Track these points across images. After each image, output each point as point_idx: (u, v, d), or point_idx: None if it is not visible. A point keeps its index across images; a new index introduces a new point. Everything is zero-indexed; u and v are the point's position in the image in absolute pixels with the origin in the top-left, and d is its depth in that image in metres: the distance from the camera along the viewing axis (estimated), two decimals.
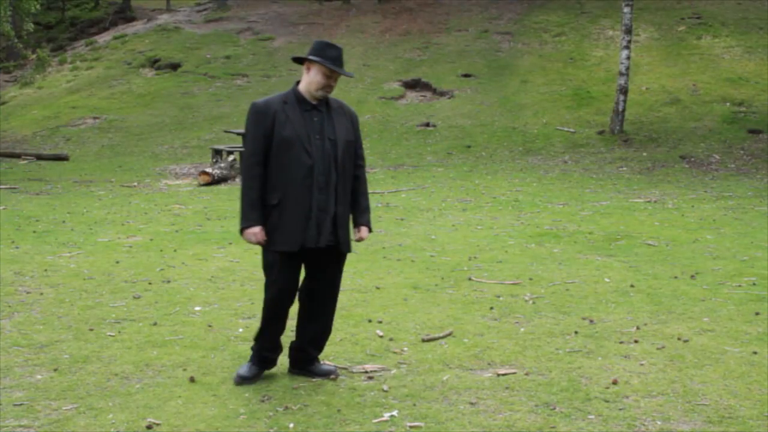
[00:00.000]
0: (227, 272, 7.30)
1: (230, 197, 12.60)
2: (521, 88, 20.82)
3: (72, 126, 20.94)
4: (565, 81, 20.87)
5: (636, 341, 5.20)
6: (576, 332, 5.40)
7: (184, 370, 4.66)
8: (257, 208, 4.29)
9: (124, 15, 33.33)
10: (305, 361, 4.60)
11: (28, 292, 6.52)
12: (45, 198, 12.57)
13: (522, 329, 5.49)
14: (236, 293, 6.50)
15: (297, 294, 4.51)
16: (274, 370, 4.67)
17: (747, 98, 18.73)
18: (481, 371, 4.66)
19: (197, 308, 6.04)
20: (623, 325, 5.57)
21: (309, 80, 4.36)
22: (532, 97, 20.20)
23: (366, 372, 4.63)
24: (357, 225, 4.56)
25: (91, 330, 5.45)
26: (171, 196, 12.86)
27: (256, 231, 4.29)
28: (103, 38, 29.26)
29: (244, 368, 4.48)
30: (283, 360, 4.82)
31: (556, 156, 16.87)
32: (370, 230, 4.59)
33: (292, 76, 22.99)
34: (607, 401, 4.19)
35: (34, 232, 9.49)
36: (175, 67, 24.50)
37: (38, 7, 21.80)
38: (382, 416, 3.99)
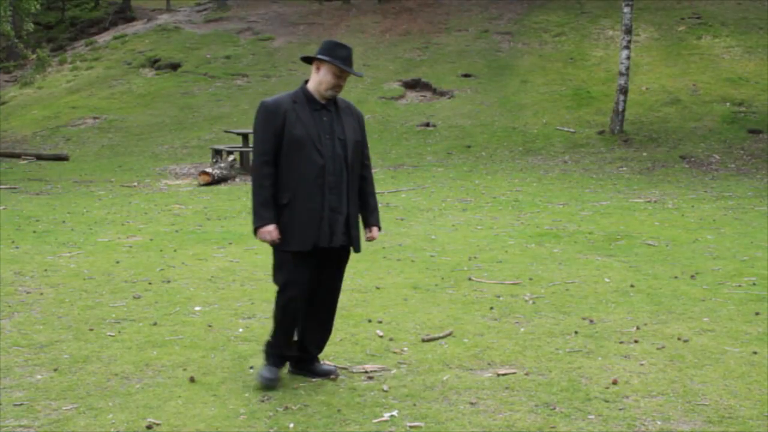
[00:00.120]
0: (227, 272, 7.30)
1: (230, 197, 12.60)
2: (521, 88, 20.82)
3: (72, 126, 20.94)
4: (565, 81, 20.87)
5: (636, 341, 5.20)
6: (576, 332, 5.40)
7: (184, 370, 4.66)
8: (270, 207, 4.26)
9: (124, 15, 33.33)
10: (305, 361, 4.60)
11: (28, 292, 6.52)
12: (45, 198, 12.57)
13: (522, 329, 5.49)
14: (236, 293, 6.50)
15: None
16: None
17: (747, 98, 18.73)
18: (481, 371, 4.66)
19: (197, 308, 6.04)
20: (623, 325, 5.57)
21: (319, 80, 4.36)
22: (532, 97, 20.21)
23: (366, 372, 4.63)
24: (368, 225, 4.58)
25: (91, 330, 5.45)
26: (171, 196, 12.86)
27: (271, 229, 4.26)
28: (103, 38, 29.26)
29: (267, 371, 4.40)
30: None
31: (556, 156, 16.87)
32: (379, 229, 4.63)
33: (292, 76, 23.00)
34: (607, 401, 4.19)
35: (34, 232, 9.49)
36: (175, 67, 24.50)
37: (38, 7, 21.80)
38: (382, 416, 3.99)
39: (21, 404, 4.14)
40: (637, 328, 5.50)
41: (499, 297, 6.39)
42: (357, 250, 4.50)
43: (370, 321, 5.67)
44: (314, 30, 26.69)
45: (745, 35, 22.26)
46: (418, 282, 6.91)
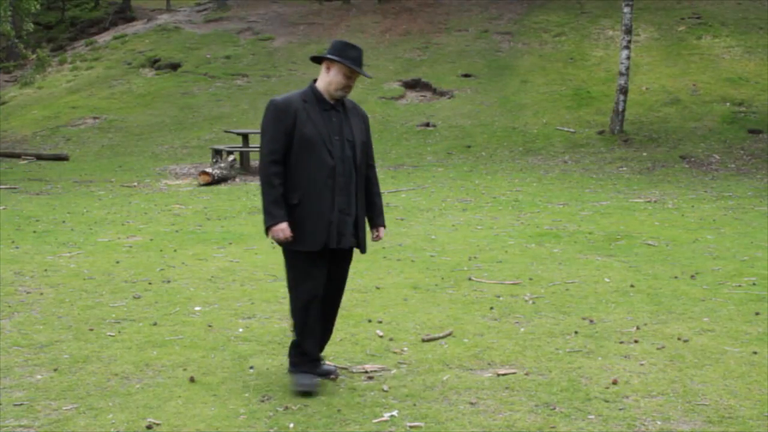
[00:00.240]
0: (227, 272, 7.30)
1: (230, 197, 12.60)
2: (521, 88, 20.82)
3: (72, 126, 20.94)
4: (565, 81, 20.87)
5: (636, 341, 5.20)
6: (576, 332, 5.40)
7: (184, 370, 4.66)
8: (281, 206, 4.23)
9: (124, 15, 33.33)
10: None
11: (28, 292, 6.52)
12: (45, 198, 12.57)
13: (522, 329, 5.49)
14: (236, 293, 6.50)
15: None
16: (273, 370, 4.68)
17: (747, 98, 18.73)
18: (481, 371, 4.66)
19: (197, 308, 6.04)
20: (623, 325, 5.57)
21: (329, 80, 4.34)
22: (532, 97, 20.21)
23: (366, 372, 4.63)
24: (375, 225, 4.60)
25: (91, 330, 5.45)
26: (171, 196, 12.86)
27: (284, 227, 4.22)
28: (103, 38, 29.26)
29: (303, 378, 4.31)
30: (284, 360, 4.82)
31: (556, 156, 16.87)
32: (385, 229, 4.66)
33: (292, 76, 23.01)
34: (607, 401, 4.19)
35: (34, 232, 9.49)
36: (175, 67, 24.50)
37: (38, 7, 21.81)
38: (382, 416, 3.99)
39: (21, 404, 4.14)
40: (637, 328, 5.50)
41: (499, 297, 6.39)
42: (363, 251, 4.51)
43: (370, 321, 5.67)
44: (314, 30, 26.69)
45: (745, 35, 22.26)
46: (418, 282, 6.91)
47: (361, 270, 7.27)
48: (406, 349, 5.08)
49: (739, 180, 14.48)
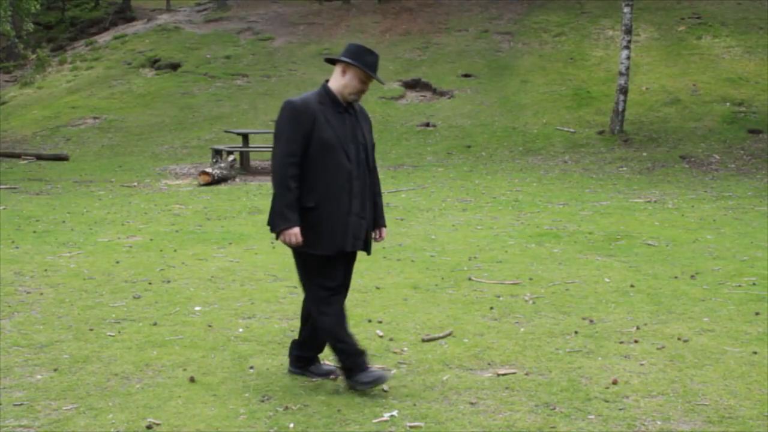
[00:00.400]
0: (227, 272, 7.30)
1: (230, 197, 12.60)
2: (521, 88, 20.82)
3: (72, 126, 20.94)
4: (565, 81, 20.87)
5: (636, 341, 5.20)
6: (576, 332, 5.40)
7: (184, 370, 4.66)
8: (295, 210, 4.18)
9: (124, 15, 33.33)
10: (306, 361, 4.60)
11: (28, 292, 6.52)
12: (45, 198, 12.57)
13: (522, 329, 5.49)
14: (236, 293, 6.50)
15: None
16: (273, 370, 4.68)
17: (747, 98, 18.73)
18: (481, 371, 4.66)
19: (197, 308, 6.04)
20: (623, 325, 5.57)
21: (344, 83, 4.31)
22: (532, 97, 20.21)
23: None
24: (377, 226, 4.58)
25: (91, 330, 5.45)
26: (171, 196, 12.86)
27: (296, 232, 4.18)
28: (103, 38, 29.26)
29: (364, 377, 4.26)
30: (284, 360, 4.82)
31: (556, 156, 16.87)
32: (386, 229, 4.66)
33: (292, 76, 23.00)
34: (607, 401, 4.19)
35: (34, 232, 9.49)
36: (175, 67, 24.50)
37: (38, 7, 21.82)
38: (382, 416, 3.99)
39: (21, 404, 4.14)
40: (637, 328, 5.50)
41: (499, 297, 6.39)
42: (369, 253, 4.52)
43: (370, 321, 5.67)
44: (314, 30, 26.69)
45: (745, 35, 22.26)
46: (418, 282, 6.91)
47: (361, 270, 7.27)
48: (406, 349, 5.08)
49: (739, 180, 14.48)
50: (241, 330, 5.46)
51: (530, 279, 7.02)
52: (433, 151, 17.63)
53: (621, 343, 5.18)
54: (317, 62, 23.86)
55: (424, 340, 5.24)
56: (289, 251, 7.57)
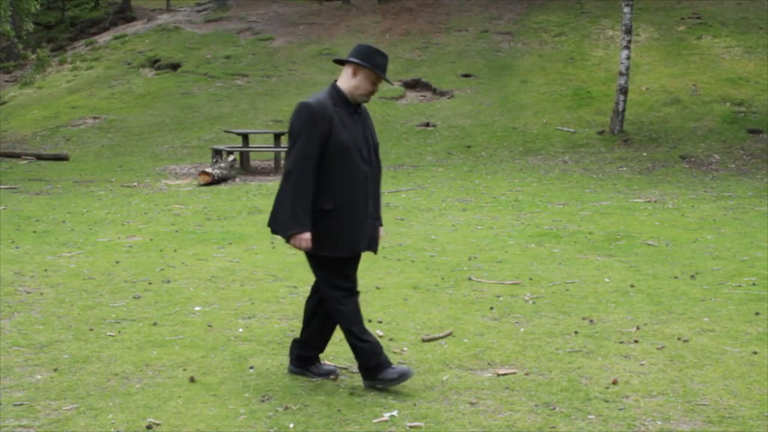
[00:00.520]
0: (227, 272, 7.30)
1: (230, 197, 12.60)
2: (521, 88, 20.82)
3: (72, 126, 20.94)
4: (565, 81, 20.87)
5: (636, 341, 5.20)
6: (576, 332, 5.40)
7: (184, 370, 4.66)
8: (309, 214, 4.16)
9: (124, 15, 33.33)
10: (307, 360, 4.60)
11: (28, 292, 6.52)
12: (45, 198, 12.57)
13: (522, 329, 5.49)
14: (236, 293, 6.50)
15: (314, 291, 4.53)
16: (273, 370, 4.68)
17: (747, 98, 18.73)
18: (481, 371, 4.66)
19: (197, 308, 6.04)
20: (623, 325, 5.57)
21: (355, 85, 4.29)
22: (532, 97, 20.21)
23: None
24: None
25: (91, 330, 5.45)
26: (171, 196, 12.86)
27: (308, 237, 4.17)
28: (103, 38, 29.26)
29: (387, 374, 4.28)
30: (284, 360, 4.82)
31: (556, 156, 16.87)
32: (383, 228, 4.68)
33: (292, 76, 23.00)
34: (607, 401, 4.19)
35: (34, 232, 9.49)
36: (175, 67, 24.50)
37: (38, 7, 21.82)
38: (382, 416, 3.99)
39: (21, 404, 4.14)
40: (637, 328, 5.50)
41: (499, 297, 6.39)
42: (376, 252, 4.54)
43: (370, 321, 5.66)
44: (314, 30, 26.69)
45: (745, 35, 22.26)
46: (418, 282, 6.91)
47: (361, 270, 7.22)
48: (406, 349, 5.08)
49: (739, 180, 14.47)
50: (241, 330, 5.46)
51: (530, 279, 7.02)
52: (433, 151, 17.63)
53: (621, 343, 5.18)
54: (317, 62, 23.85)
55: (424, 340, 5.24)
56: (289, 251, 7.56)
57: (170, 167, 16.63)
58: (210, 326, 5.54)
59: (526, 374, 4.58)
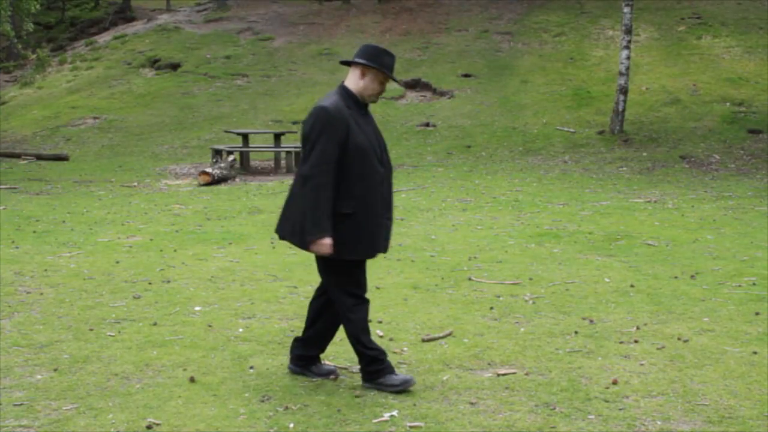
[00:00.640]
0: (227, 272, 7.30)
1: (230, 197, 12.60)
2: (521, 88, 20.82)
3: (72, 126, 20.94)
4: (565, 81, 20.87)
5: (636, 341, 5.20)
6: (576, 332, 5.40)
7: (184, 370, 4.66)
8: (330, 218, 4.12)
9: (124, 15, 33.33)
10: (307, 360, 4.59)
11: (28, 292, 6.52)
12: (45, 198, 12.57)
13: (522, 329, 5.49)
14: (236, 293, 6.50)
15: (320, 293, 4.52)
16: (273, 370, 4.68)
17: (747, 98, 18.73)
18: (481, 371, 4.66)
19: (197, 308, 6.04)
20: (623, 325, 5.57)
21: (364, 85, 4.27)
22: (532, 97, 20.21)
23: None
24: None
25: (91, 330, 5.45)
26: (171, 196, 12.86)
27: (329, 243, 4.13)
28: (103, 38, 29.26)
29: (390, 380, 4.30)
30: (284, 360, 4.82)
31: (556, 156, 16.87)
32: None
33: (292, 76, 23.00)
34: (607, 401, 4.19)
35: (34, 232, 9.49)
36: (175, 67, 24.50)
37: (38, 7, 21.82)
38: (382, 416, 3.99)
39: (21, 404, 4.14)
40: (637, 328, 5.50)
41: (499, 297, 6.39)
42: (386, 252, 4.54)
43: (370, 321, 5.65)
44: (314, 30, 26.69)
45: (745, 35, 22.26)
46: (418, 282, 6.91)
47: None
48: (406, 349, 5.08)
49: (739, 180, 14.47)
50: (241, 330, 5.46)
51: (530, 279, 7.02)
52: (433, 151, 17.63)
53: (621, 343, 5.18)
54: (317, 62, 23.86)
55: (424, 340, 5.24)
56: (289, 251, 7.56)
57: (170, 167, 16.64)
58: (210, 326, 5.54)
59: (526, 374, 4.58)
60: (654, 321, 5.69)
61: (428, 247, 8.54)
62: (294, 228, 4.25)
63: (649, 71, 20.71)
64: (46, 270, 7.34)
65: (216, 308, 6.04)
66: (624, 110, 17.59)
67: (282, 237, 4.37)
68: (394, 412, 4.03)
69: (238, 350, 5.03)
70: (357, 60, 4.27)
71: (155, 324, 5.60)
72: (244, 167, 15.86)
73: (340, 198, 4.17)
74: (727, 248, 8.44)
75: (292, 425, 3.88)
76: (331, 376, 4.54)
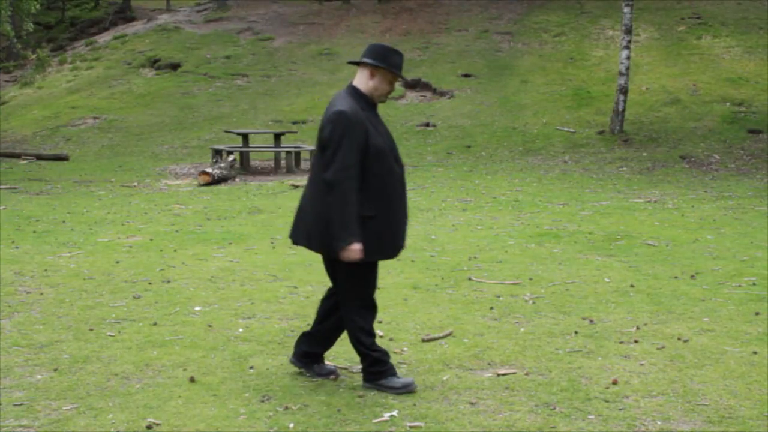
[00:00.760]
0: (227, 272, 7.30)
1: (230, 197, 12.60)
2: (521, 88, 20.82)
3: (72, 126, 20.94)
4: (565, 81, 20.87)
5: (636, 341, 5.20)
6: (576, 332, 5.40)
7: (184, 370, 4.66)
8: (359, 223, 4.10)
9: (124, 15, 33.33)
10: (312, 358, 4.57)
11: (28, 292, 6.52)
12: (45, 198, 12.57)
13: (522, 329, 5.49)
14: (236, 293, 6.50)
15: (331, 293, 4.52)
16: (273, 370, 4.68)
17: (747, 98, 18.73)
18: (481, 371, 4.66)
19: (197, 308, 6.04)
20: (623, 325, 5.57)
21: (374, 86, 4.25)
22: (532, 97, 20.20)
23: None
24: None
25: (91, 330, 5.45)
26: (171, 196, 12.86)
27: (360, 247, 4.11)
28: (103, 38, 29.27)
29: (392, 382, 4.30)
30: (284, 360, 4.82)
31: (556, 156, 16.87)
32: None
33: (292, 76, 23.00)
34: (607, 401, 4.19)
35: (34, 232, 9.49)
36: (175, 67, 24.50)
37: (38, 7, 21.81)
38: (382, 416, 3.99)
39: (21, 404, 4.14)
40: (637, 328, 5.50)
41: (499, 297, 6.39)
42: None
43: None
44: (314, 30, 26.69)
45: (745, 35, 22.26)
46: (418, 282, 6.91)
47: None
48: (406, 349, 5.08)
49: (739, 180, 14.48)
50: (241, 330, 5.46)
51: (530, 279, 7.02)
52: (433, 151, 17.63)
53: (621, 343, 5.18)
54: (317, 62, 23.85)
55: (424, 340, 5.24)
56: (289, 251, 7.56)
57: (170, 167, 16.64)
58: (210, 326, 5.54)
59: (526, 374, 4.58)
60: (654, 321, 5.69)
61: (428, 247, 8.54)
62: (311, 233, 4.24)
63: (649, 71, 20.71)
64: (46, 270, 7.34)
65: (216, 308, 6.04)
66: (624, 110, 17.59)
67: (296, 242, 4.36)
68: (394, 412, 4.03)
69: (238, 350, 5.02)
70: (366, 60, 4.25)
71: (155, 324, 5.60)
72: (244, 167, 15.86)
73: (362, 201, 4.15)
74: (727, 248, 8.44)
75: (292, 425, 3.88)
76: (331, 377, 4.54)
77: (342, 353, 4.95)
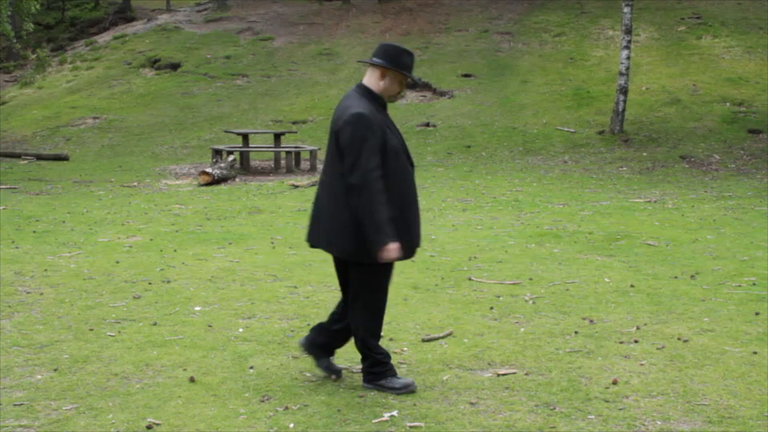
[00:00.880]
0: (227, 272, 7.30)
1: (230, 197, 12.61)
2: (521, 88, 20.82)
3: (72, 126, 20.94)
4: (565, 81, 20.87)
5: (636, 341, 5.20)
6: (576, 332, 5.40)
7: (184, 370, 4.66)
8: (391, 223, 4.09)
9: (124, 15, 33.33)
10: (324, 349, 4.56)
11: (28, 292, 6.52)
12: (45, 198, 12.57)
13: (522, 329, 5.49)
14: (236, 293, 6.50)
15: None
16: (273, 370, 4.68)
17: (747, 98, 18.73)
18: (481, 371, 4.66)
19: (197, 308, 6.04)
20: (623, 325, 5.57)
21: (384, 87, 4.24)
22: (532, 97, 20.21)
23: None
24: None
25: (91, 330, 5.45)
26: (171, 196, 12.86)
27: (397, 246, 4.09)
28: (103, 38, 29.27)
29: (393, 383, 4.30)
30: (284, 360, 4.82)
31: (556, 156, 16.87)
32: None
33: (292, 76, 23.00)
34: (607, 401, 4.19)
35: (34, 232, 9.49)
36: (175, 67, 24.51)
37: (38, 7, 21.81)
38: (382, 416, 3.99)
39: (21, 404, 4.14)
40: (637, 328, 5.50)
41: (499, 297, 6.39)
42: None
43: None
44: (314, 30, 26.69)
45: (745, 35, 22.26)
46: (418, 282, 6.91)
47: None
48: (406, 349, 5.08)
49: (739, 180, 14.48)
50: (241, 330, 5.46)
51: (530, 279, 7.02)
52: (433, 151, 17.63)
53: (621, 343, 5.18)
54: (317, 62, 23.86)
55: (424, 340, 5.24)
56: (289, 251, 7.55)
57: (170, 167, 16.64)
58: (210, 326, 5.54)
59: (526, 374, 4.58)
60: (654, 321, 5.69)
61: (428, 247, 8.54)
62: (330, 237, 4.22)
63: (649, 71, 20.71)
64: (46, 270, 7.34)
65: (216, 308, 6.04)
66: (624, 110, 17.59)
67: (314, 245, 4.35)
68: (394, 412, 4.03)
69: (238, 350, 5.03)
70: (377, 61, 4.23)
71: (155, 324, 5.60)
72: (244, 167, 15.86)
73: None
74: (727, 248, 8.44)
75: (292, 425, 3.89)
76: (332, 376, 4.54)
77: (342, 353, 4.95)
